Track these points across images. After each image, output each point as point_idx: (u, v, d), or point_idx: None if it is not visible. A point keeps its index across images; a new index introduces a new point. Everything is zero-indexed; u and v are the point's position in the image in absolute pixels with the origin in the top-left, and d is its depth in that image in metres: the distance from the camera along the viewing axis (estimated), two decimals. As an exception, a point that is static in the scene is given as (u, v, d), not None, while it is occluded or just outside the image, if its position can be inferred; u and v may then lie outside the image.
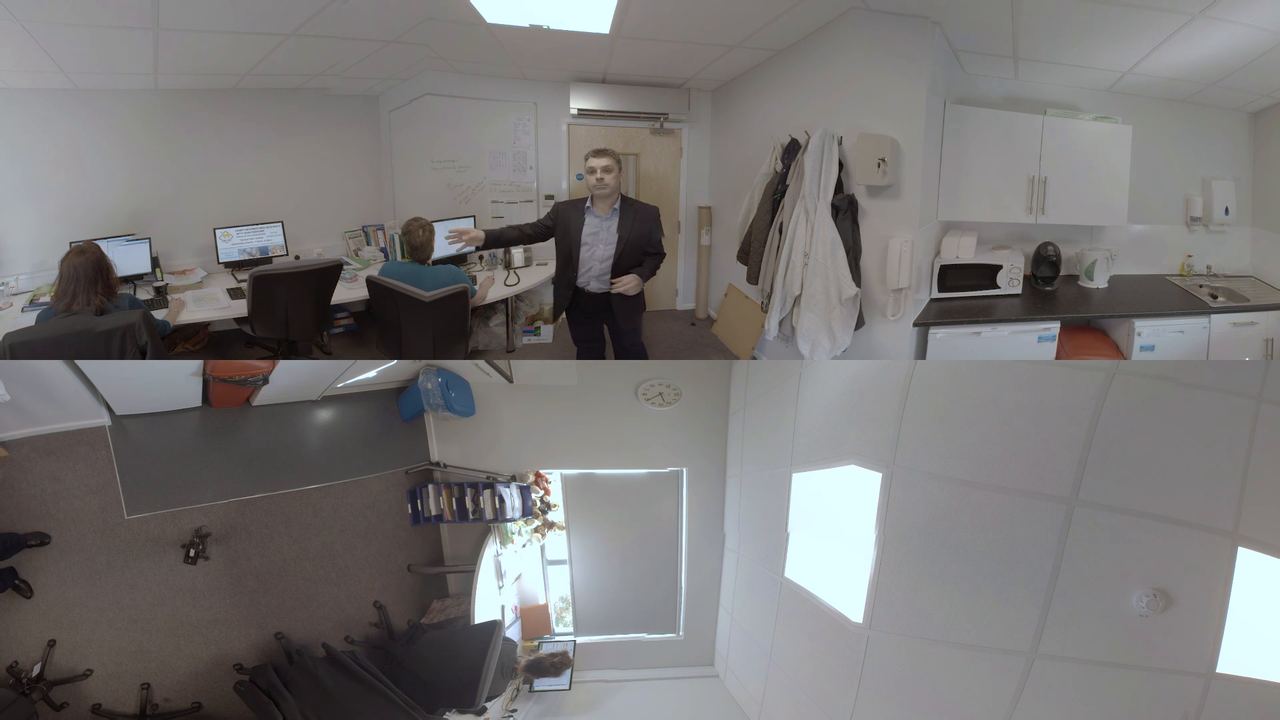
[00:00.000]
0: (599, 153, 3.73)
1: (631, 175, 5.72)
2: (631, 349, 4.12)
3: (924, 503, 2.41)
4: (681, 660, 4.41)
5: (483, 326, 5.26)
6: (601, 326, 4.12)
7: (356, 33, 4.09)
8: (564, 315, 4.13)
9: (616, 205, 3.79)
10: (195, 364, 3.29)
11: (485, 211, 5.57)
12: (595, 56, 4.73)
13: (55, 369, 2.96)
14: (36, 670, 3.06)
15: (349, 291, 4.56)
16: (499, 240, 4.00)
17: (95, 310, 2.97)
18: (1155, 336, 3.99)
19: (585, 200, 3.84)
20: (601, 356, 4.25)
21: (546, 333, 5.52)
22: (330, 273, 4.15)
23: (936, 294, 4.05)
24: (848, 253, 3.75)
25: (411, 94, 5.25)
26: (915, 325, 3.81)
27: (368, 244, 5.34)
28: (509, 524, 4.07)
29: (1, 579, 3.06)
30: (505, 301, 5.11)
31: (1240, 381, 2.14)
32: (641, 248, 3.81)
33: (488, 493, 3.89)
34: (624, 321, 3.97)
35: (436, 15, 3.98)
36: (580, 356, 4.24)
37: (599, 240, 3.82)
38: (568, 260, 3.88)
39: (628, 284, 3.77)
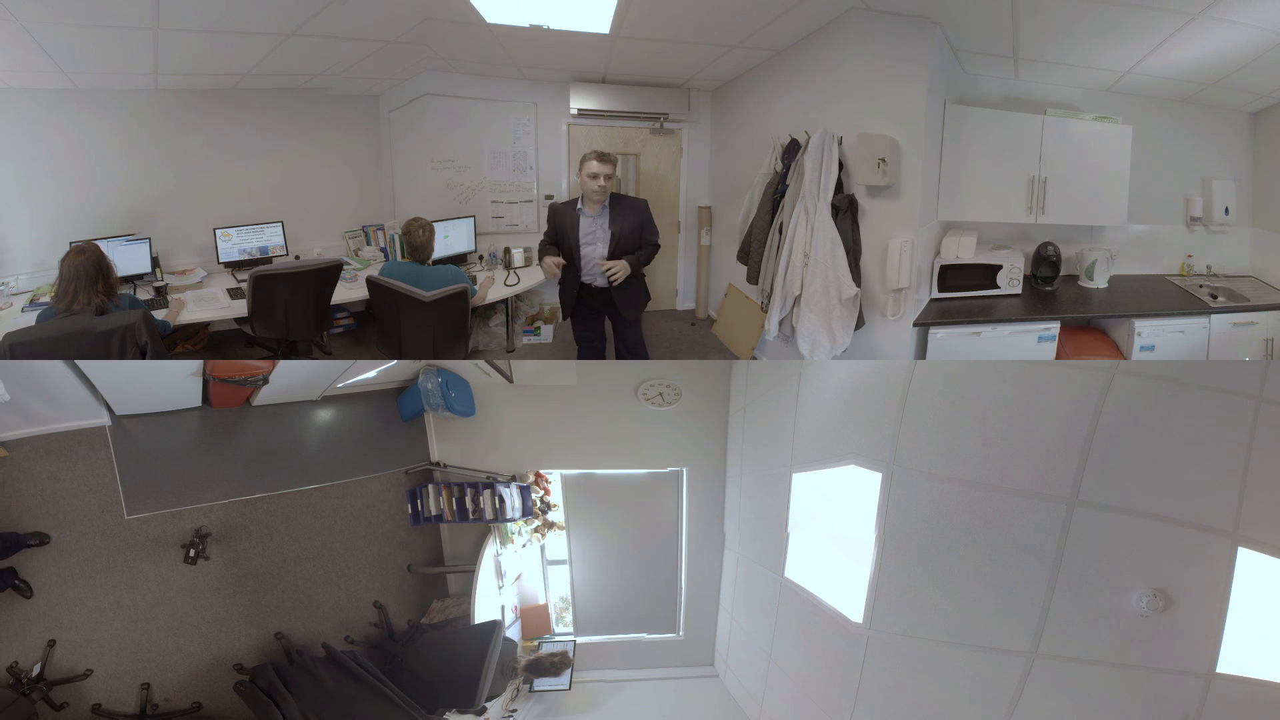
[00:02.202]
0: (604, 159, 3.79)
1: (631, 175, 5.73)
2: (634, 346, 4.15)
3: (924, 503, 2.41)
4: (681, 660, 4.41)
5: (483, 326, 5.26)
6: (603, 323, 4.15)
7: (356, 33, 4.09)
8: (558, 317, 4.17)
9: (606, 203, 3.88)
10: (195, 364, 3.29)
11: (485, 211, 5.57)
12: (595, 56, 4.73)
13: (55, 369, 2.95)
14: (36, 670, 3.07)
15: (349, 291, 4.56)
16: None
17: (95, 310, 2.97)
18: (1155, 336, 3.99)
19: (576, 201, 3.93)
20: (602, 356, 4.27)
21: (546, 333, 5.52)
22: (330, 273, 4.15)
23: (936, 294, 4.05)
24: (848, 253, 3.75)
25: (411, 94, 5.25)
26: (915, 325, 3.81)
27: (368, 244, 5.34)
28: (509, 524, 4.07)
29: (1, 579, 3.06)
30: (505, 301, 5.11)
31: (1240, 381, 2.13)
32: (635, 240, 3.89)
33: (488, 493, 3.89)
34: (627, 312, 4.04)
35: (436, 15, 3.98)
36: (581, 356, 4.26)
37: (596, 238, 3.91)
38: (571, 260, 3.95)
39: (615, 268, 3.84)
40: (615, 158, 3.84)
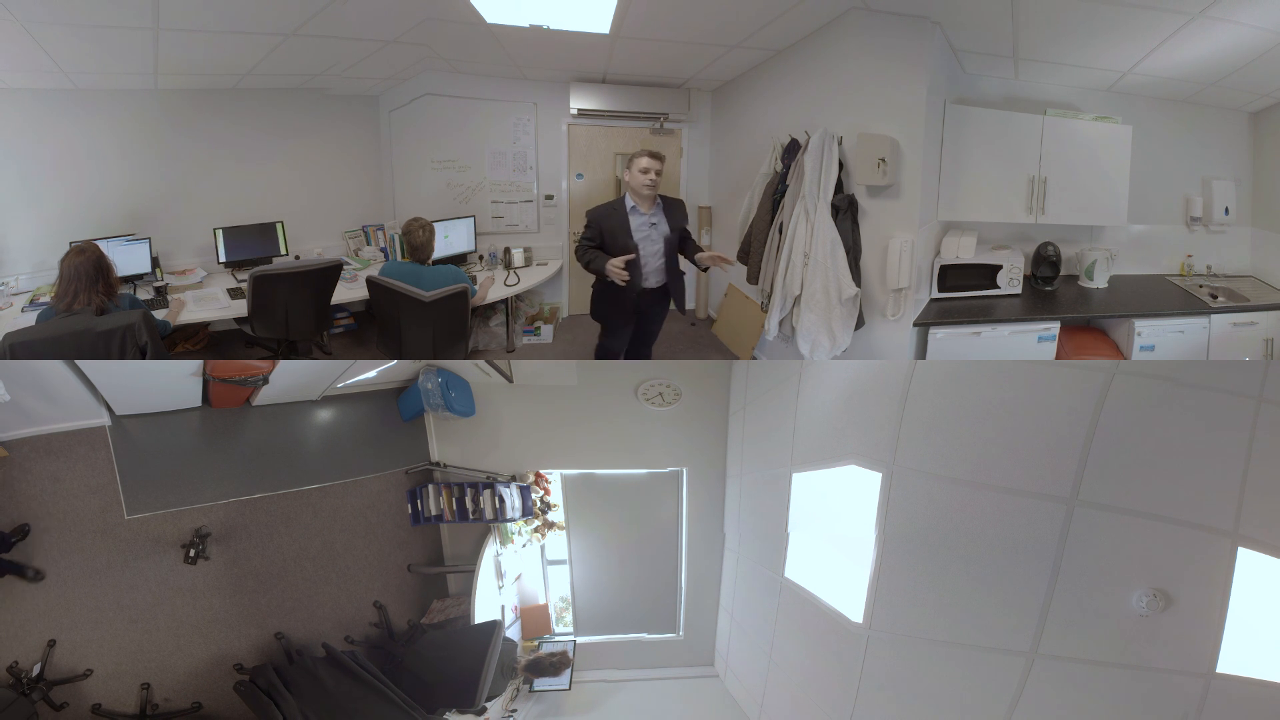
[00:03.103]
0: (654, 155, 3.77)
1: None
2: (648, 344, 4.13)
3: (924, 503, 2.41)
4: (681, 660, 4.41)
5: (483, 326, 5.26)
6: (632, 326, 4.05)
7: (356, 33, 4.09)
8: (559, 317, 4.11)
9: (658, 202, 3.82)
10: (195, 364, 3.29)
11: (485, 211, 5.57)
12: (595, 56, 4.73)
13: (55, 369, 2.96)
14: (36, 670, 3.06)
15: (349, 291, 4.56)
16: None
17: (95, 310, 2.97)
18: (1155, 336, 3.99)
19: (620, 201, 3.79)
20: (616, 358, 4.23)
21: (546, 333, 5.52)
22: (330, 273, 4.15)
23: (936, 294, 4.05)
24: (848, 253, 3.75)
25: (411, 94, 5.25)
26: (915, 325, 3.81)
27: (368, 244, 5.34)
28: (509, 524, 4.07)
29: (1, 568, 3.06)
30: (505, 301, 5.11)
31: (1240, 381, 2.14)
32: (678, 236, 3.89)
33: (488, 493, 3.89)
34: (679, 306, 4.04)
35: (436, 15, 3.98)
36: (599, 357, 4.19)
37: (653, 236, 3.81)
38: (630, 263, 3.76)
39: (716, 256, 3.87)
40: (664, 155, 3.84)
